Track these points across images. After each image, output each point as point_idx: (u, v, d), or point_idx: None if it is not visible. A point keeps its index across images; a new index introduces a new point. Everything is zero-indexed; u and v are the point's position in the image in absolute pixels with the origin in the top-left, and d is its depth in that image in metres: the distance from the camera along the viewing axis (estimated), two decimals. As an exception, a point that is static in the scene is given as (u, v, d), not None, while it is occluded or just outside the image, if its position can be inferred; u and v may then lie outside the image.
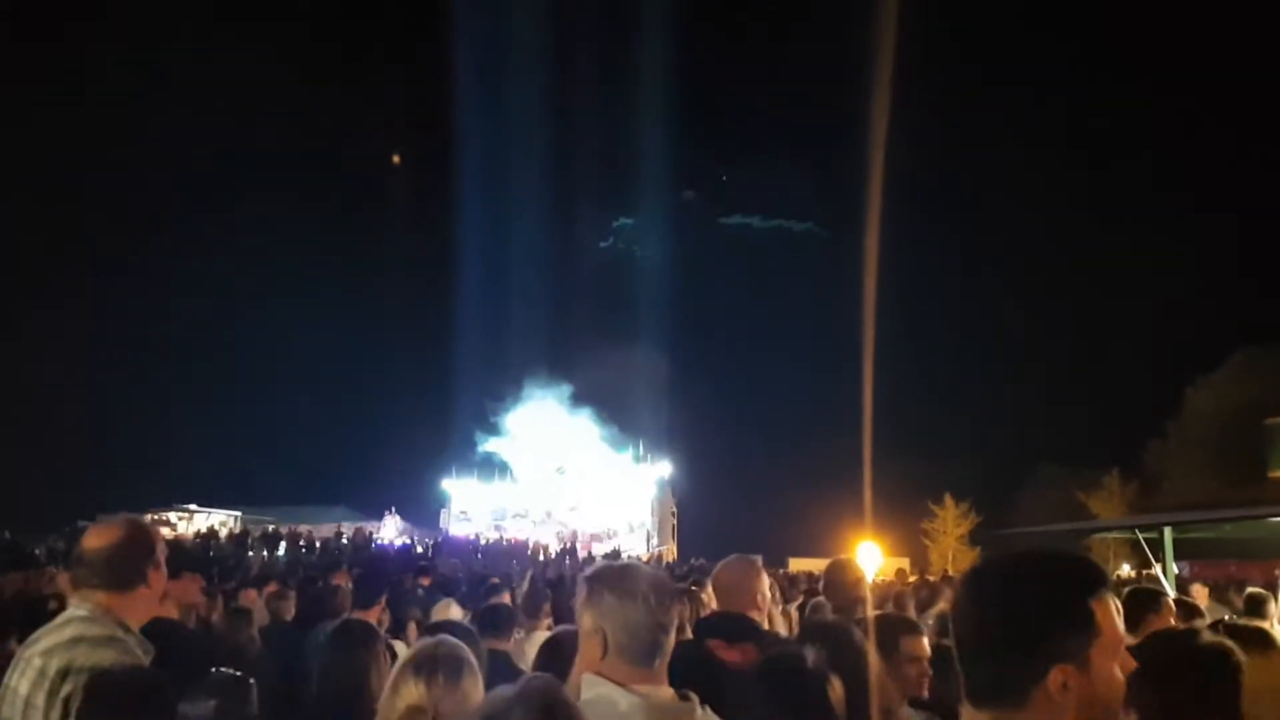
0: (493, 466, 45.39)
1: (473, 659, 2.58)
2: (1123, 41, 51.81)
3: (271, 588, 7.88)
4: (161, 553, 2.91)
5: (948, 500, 44.80)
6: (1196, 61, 49.46)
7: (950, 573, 28.99)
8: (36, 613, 5.11)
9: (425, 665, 2.47)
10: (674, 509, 45.04)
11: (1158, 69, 50.31)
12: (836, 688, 2.59)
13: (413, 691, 2.44)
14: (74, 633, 2.66)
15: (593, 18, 56.93)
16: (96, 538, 2.82)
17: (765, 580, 3.88)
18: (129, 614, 2.78)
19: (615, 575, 2.40)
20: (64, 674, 2.57)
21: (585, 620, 2.36)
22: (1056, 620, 1.52)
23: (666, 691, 2.26)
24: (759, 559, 4.13)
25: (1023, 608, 1.54)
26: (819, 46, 57.96)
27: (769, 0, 65.59)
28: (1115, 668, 1.54)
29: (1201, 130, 49.00)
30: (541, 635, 5.70)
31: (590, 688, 2.30)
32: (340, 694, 3.34)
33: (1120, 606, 1.59)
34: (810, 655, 2.67)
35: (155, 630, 2.87)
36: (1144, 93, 51.73)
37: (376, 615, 5.86)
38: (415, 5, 60.39)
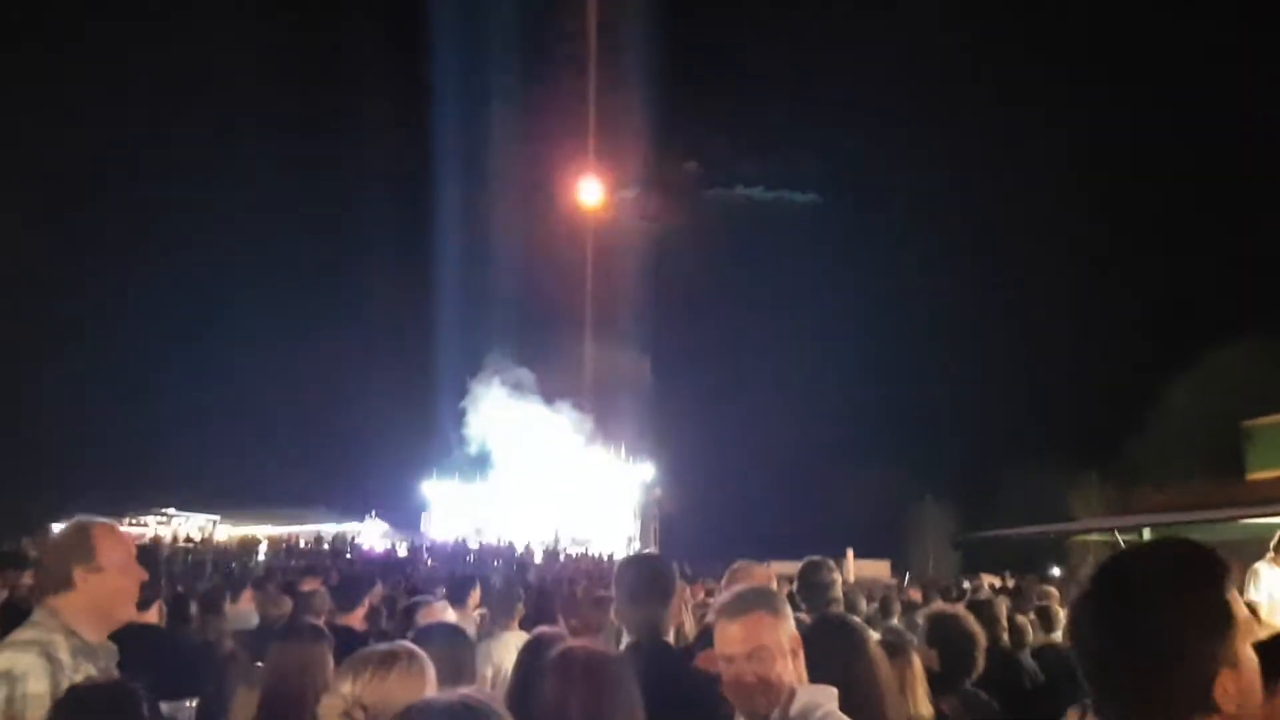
0: (474, 468, 45.38)
1: (418, 657, 2.61)
2: (1129, 31, 51.79)
3: (247, 592, 7.81)
4: (105, 556, 2.89)
5: (928, 501, 45.00)
6: (1184, 52, 49.59)
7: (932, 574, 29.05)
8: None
9: (358, 661, 2.55)
10: (656, 511, 45.08)
11: (1148, 59, 50.42)
12: None
13: (342, 687, 2.51)
14: (11, 637, 2.75)
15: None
16: (45, 542, 2.95)
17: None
18: (70, 614, 2.80)
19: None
20: None
21: (781, 635, 2.54)
22: (1212, 621, 1.41)
23: None
24: (768, 565, 4.14)
25: (1177, 612, 1.41)
26: (824, 14, 57.70)
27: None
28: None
29: (1181, 125, 49.21)
30: (511, 636, 5.67)
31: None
32: (284, 688, 3.35)
33: None
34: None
35: (125, 635, 2.89)
36: (1126, 85, 51.81)
37: (359, 619, 5.82)
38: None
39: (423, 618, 5.74)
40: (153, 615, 3.97)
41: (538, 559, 30.58)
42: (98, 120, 48.54)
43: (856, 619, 3.36)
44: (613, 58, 53.63)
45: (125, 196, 51.23)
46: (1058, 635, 6.75)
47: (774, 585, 4.09)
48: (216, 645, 5.56)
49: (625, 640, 3.35)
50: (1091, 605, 1.48)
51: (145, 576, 3.01)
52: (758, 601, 2.58)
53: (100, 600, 2.88)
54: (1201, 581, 1.44)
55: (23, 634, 2.73)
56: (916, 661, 3.61)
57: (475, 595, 7.38)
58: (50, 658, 2.67)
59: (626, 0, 53.30)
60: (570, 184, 58.22)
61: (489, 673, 5.39)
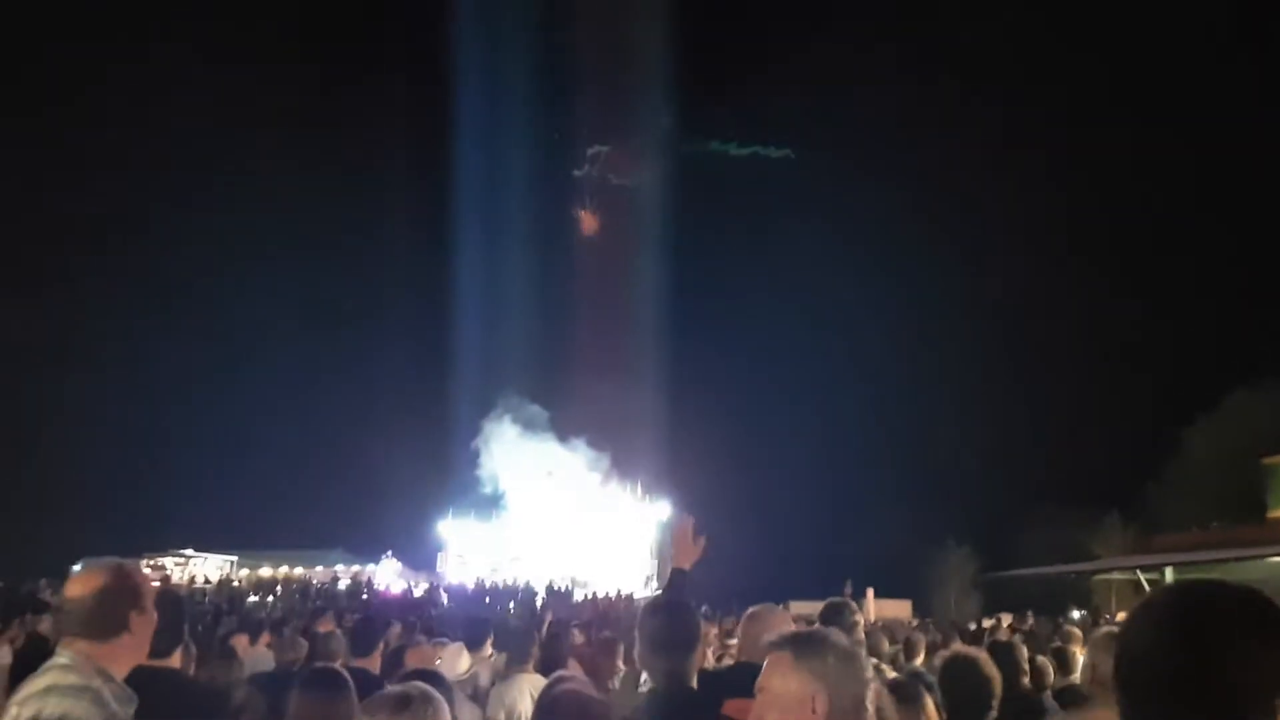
0: (489, 508, 45.24)
1: (435, 700, 2.57)
2: (1133, 59, 51.57)
3: (265, 636, 7.79)
4: (148, 598, 2.88)
5: (949, 542, 44.70)
6: (1204, 88, 49.50)
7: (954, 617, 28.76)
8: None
9: (374, 702, 2.52)
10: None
11: (1159, 92, 50.29)
12: None
13: None
14: (48, 681, 2.65)
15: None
16: (79, 585, 2.80)
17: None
18: (111, 662, 2.75)
19: (837, 635, 2.35)
20: None
21: (792, 682, 2.25)
22: None
23: None
24: (785, 608, 4.10)
25: (1267, 662, 1.34)
26: None
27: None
28: None
29: (1196, 165, 49.14)
30: (525, 679, 5.62)
31: None
32: None
33: None
34: None
35: (141, 676, 2.84)
36: (1140, 118, 51.65)
37: (376, 663, 5.78)
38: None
39: (411, 659, 5.70)
40: (175, 661, 3.95)
41: (554, 599, 30.39)
42: (118, 176, 49.13)
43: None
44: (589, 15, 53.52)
45: (148, 245, 51.77)
46: (1076, 677, 6.68)
47: (791, 629, 4.05)
48: (231, 690, 5.53)
49: (648, 685, 3.32)
50: (1172, 637, 1.38)
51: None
52: (789, 643, 2.38)
53: (143, 643, 2.87)
54: None
55: (65, 678, 2.64)
56: (929, 706, 3.55)
57: (492, 637, 7.31)
58: (104, 705, 2.62)
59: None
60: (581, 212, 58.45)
61: (501, 716, 5.35)
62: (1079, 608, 31.07)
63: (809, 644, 2.33)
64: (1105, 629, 4.44)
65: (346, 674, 3.69)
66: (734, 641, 6.03)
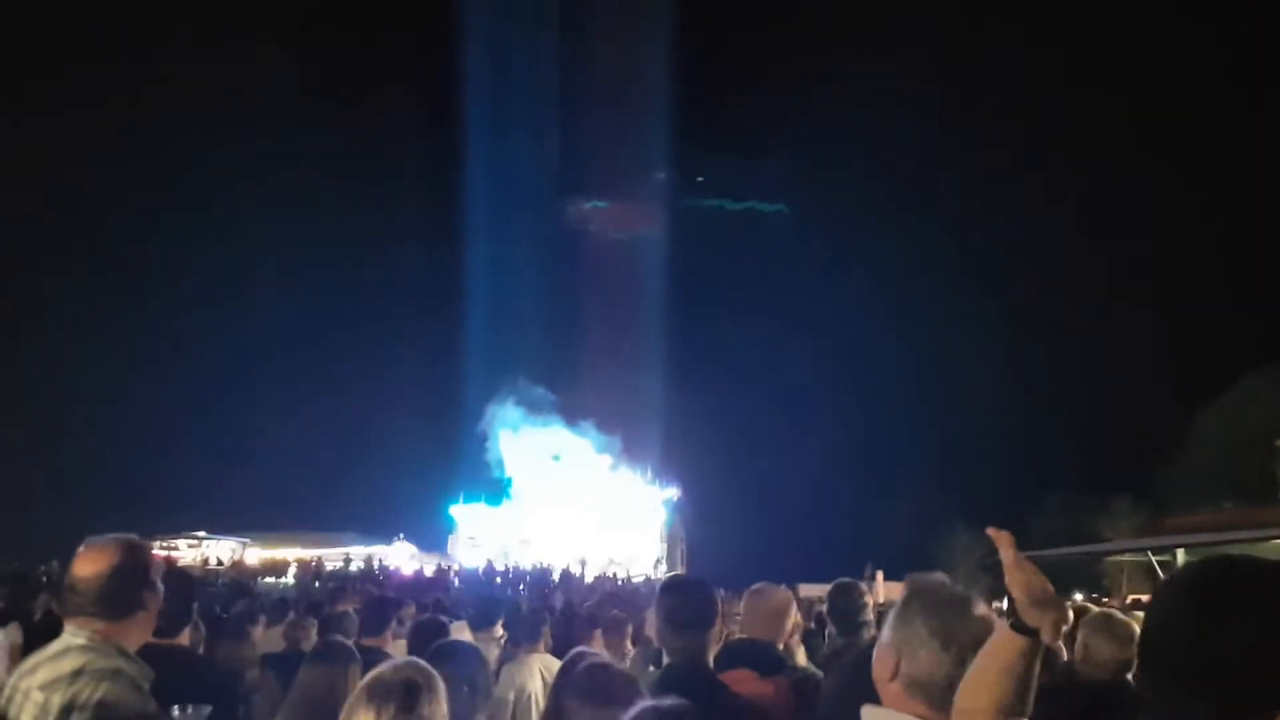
0: (500, 492, 45.40)
1: (436, 683, 2.52)
2: (1139, 39, 51.10)
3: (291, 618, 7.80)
4: (157, 573, 2.83)
5: (959, 526, 44.65)
6: (1210, 81, 49.12)
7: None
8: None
9: (378, 692, 2.43)
10: (683, 534, 44.91)
11: (1160, 90, 49.95)
12: None
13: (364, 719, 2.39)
14: (74, 665, 2.55)
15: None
16: (90, 563, 2.70)
17: (795, 610, 3.84)
18: (125, 641, 2.68)
19: (943, 605, 2.23)
20: (68, 710, 2.46)
21: (885, 632, 2.24)
22: None
23: None
24: (785, 587, 4.12)
25: None
26: (796, 33, 58.23)
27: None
28: None
29: (1207, 146, 48.77)
30: (535, 659, 5.63)
31: (870, 714, 2.18)
32: (313, 707, 3.32)
33: None
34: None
35: (151, 654, 2.79)
36: (1145, 99, 51.30)
37: (387, 642, 5.79)
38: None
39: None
40: (183, 639, 3.95)
41: (564, 581, 30.49)
42: (129, 173, 49.22)
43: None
44: (589, 72, 54.00)
45: (160, 234, 51.98)
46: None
47: (793, 609, 4.05)
48: (244, 670, 5.55)
49: (665, 661, 3.33)
50: (1196, 612, 1.34)
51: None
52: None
53: (153, 620, 2.83)
54: None
55: (93, 661, 2.55)
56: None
57: (545, 632, 7.31)
58: (138, 688, 2.58)
59: (599, 15, 53.66)
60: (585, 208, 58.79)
61: (511, 696, 5.36)
62: (1090, 590, 31.04)
63: (903, 602, 2.27)
64: (1098, 610, 4.42)
65: (353, 647, 3.70)
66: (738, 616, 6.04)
